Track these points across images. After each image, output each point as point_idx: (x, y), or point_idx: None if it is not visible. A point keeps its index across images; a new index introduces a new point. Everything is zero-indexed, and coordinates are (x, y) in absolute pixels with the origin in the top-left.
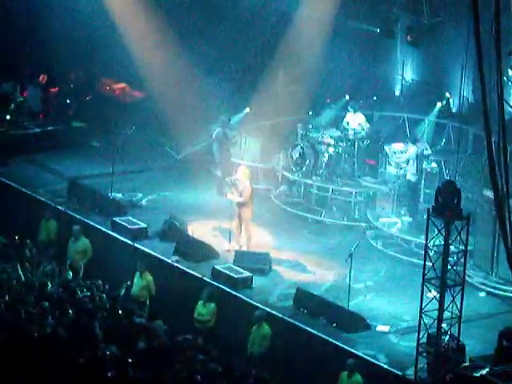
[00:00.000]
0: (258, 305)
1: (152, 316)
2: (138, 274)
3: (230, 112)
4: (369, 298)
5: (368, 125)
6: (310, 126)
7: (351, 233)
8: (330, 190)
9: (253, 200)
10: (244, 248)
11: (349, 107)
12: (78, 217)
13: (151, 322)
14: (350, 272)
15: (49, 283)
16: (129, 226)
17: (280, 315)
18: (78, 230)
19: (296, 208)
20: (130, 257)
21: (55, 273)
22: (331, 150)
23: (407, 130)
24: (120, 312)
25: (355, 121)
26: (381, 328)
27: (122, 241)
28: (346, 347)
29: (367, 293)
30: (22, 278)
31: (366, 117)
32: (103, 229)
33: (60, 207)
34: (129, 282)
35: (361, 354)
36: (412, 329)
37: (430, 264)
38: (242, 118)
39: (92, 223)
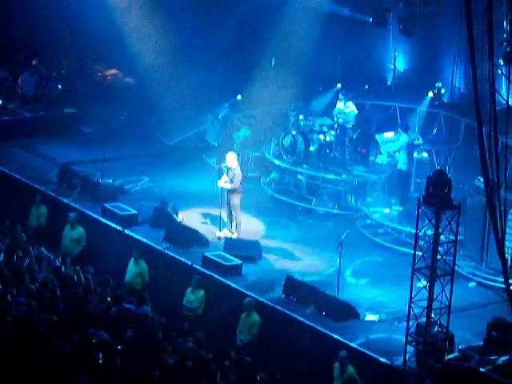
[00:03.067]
0: (247, 292)
1: (140, 302)
2: (132, 260)
3: (223, 100)
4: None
5: (357, 112)
6: (302, 115)
7: (341, 221)
8: (321, 179)
9: (242, 187)
10: (234, 235)
11: (339, 95)
12: (67, 202)
13: (139, 308)
14: (340, 261)
15: (36, 268)
16: (119, 213)
17: (269, 303)
18: (75, 218)
19: (286, 196)
20: (121, 243)
21: (45, 258)
22: (322, 138)
23: (398, 119)
24: (110, 298)
25: (346, 109)
26: (370, 317)
27: (113, 227)
28: (335, 336)
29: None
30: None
31: (357, 106)
32: (94, 215)
33: (51, 193)
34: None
35: (349, 343)
36: (401, 318)
37: (420, 253)
38: (236, 105)
39: (83, 209)
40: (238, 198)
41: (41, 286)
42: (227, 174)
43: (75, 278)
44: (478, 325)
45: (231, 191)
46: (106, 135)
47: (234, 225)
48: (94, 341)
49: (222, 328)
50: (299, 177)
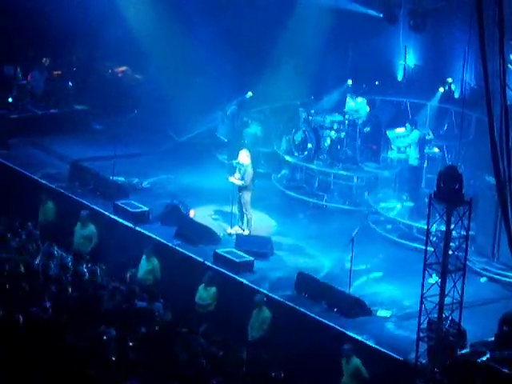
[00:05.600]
0: (258, 289)
1: (152, 299)
2: (144, 257)
3: (233, 96)
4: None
5: (368, 109)
6: (313, 111)
7: (353, 217)
8: (332, 175)
9: (253, 184)
10: (246, 232)
11: (350, 92)
12: (79, 199)
13: (151, 304)
14: (352, 257)
15: (52, 265)
16: (131, 210)
17: (280, 299)
18: (86, 216)
19: (298, 192)
20: (133, 240)
21: (54, 255)
22: (333, 134)
23: (409, 114)
24: (122, 295)
25: (356, 105)
26: (382, 313)
27: (124, 224)
28: (347, 332)
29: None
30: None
31: (367, 101)
32: (105, 212)
33: (61, 190)
34: (134, 270)
35: (361, 339)
36: (413, 314)
37: (432, 249)
38: (245, 102)
39: (94, 206)
40: (248, 194)
41: (53, 284)
42: (239, 170)
43: (87, 276)
44: (489, 320)
45: (241, 188)
46: (117, 132)
47: (244, 221)
48: (105, 338)
49: (234, 325)
50: (310, 173)
